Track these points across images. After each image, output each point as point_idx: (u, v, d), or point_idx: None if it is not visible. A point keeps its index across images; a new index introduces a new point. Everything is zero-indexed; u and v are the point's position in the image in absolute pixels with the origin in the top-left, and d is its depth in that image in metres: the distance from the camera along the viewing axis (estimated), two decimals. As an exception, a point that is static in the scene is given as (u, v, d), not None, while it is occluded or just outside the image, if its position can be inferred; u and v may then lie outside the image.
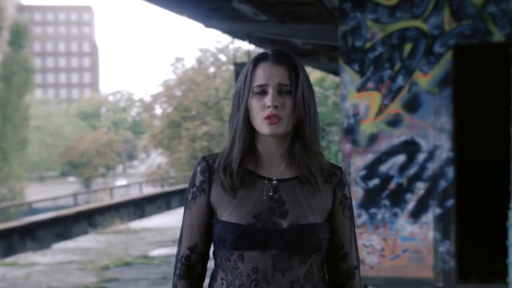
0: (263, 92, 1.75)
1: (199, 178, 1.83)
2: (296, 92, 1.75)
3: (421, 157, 5.91)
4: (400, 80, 5.94)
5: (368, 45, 6.01)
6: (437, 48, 5.88)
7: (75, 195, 24.34)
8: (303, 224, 1.74)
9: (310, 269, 1.76)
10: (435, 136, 5.89)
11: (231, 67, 40.89)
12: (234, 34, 12.20)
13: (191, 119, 40.42)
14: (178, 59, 44.63)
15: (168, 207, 20.90)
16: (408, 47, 5.94)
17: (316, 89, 33.32)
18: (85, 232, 13.05)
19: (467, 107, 6.44)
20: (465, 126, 6.30)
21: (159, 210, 19.72)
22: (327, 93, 32.45)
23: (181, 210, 16.71)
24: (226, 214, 1.76)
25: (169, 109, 42.18)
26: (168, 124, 41.38)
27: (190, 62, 61.12)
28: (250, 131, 1.78)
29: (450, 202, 5.86)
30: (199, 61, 43.11)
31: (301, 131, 1.77)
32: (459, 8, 5.84)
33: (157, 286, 7.00)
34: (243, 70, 1.82)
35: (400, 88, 5.94)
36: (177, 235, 11.04)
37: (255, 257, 1.71)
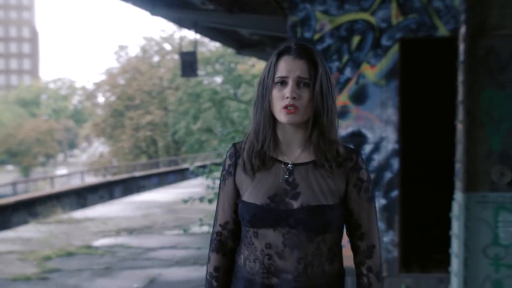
0: (283, 83, 1.91)
1: (228, 162, 2.03)
2: (315, 85, 1.90)
3: (367, 148, 5.98)
4: (348, 72, 5.99)
5: (317, 36, 6.03)
6: (384, 41, 5.95)
7: (14, 184, 23.78)
8: (313, 205, 1.89)
9: (318, 246, 1.91)
10: (381, 128, 5.96)
11: (176, 56, 40.57)
12: (181, 23, 12.06)
13: (134, 108, 40.01)
14: (122, 47, 44.05)
15: (111, 196, 20.62)
16: (356, 40, 5.98)
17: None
18: (25, 222, 12.75)
19: (413, 100, 6.54)
20: (411, 119, 6.40)
21: (101, 199, 19.45)
22: (271, 84, 32.56)
23: (123, 200, 16.56)
24: (246, 194, 1.96)
25: (112, 98, 41.65)
26: (111, 113, 40.86)
27: (134, 51, 60.44)
28: (272, 120, 1.95)
29: (394, 193, 5.95)
30: (144, 50, 42.65)
31: (319, 120, 1.92)
32: (406, 2, 5.91)
33: (101, 277, 6.89)
34: (267, 61, 1.98)
35: (347, 80, 5.99)
36: (120, 225, 11.00)
37: (268, 234, 1.91)
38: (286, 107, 1.88)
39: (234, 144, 2.05)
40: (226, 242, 2.04)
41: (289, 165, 1.94)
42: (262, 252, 1.91)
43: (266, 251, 1.90)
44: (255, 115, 1.98)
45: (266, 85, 1.93)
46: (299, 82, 1.90)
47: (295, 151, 1.97)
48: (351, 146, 5.91)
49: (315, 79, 1.90)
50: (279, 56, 1.94)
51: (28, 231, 10.40)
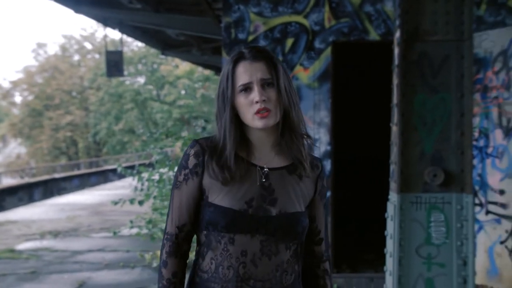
0: (248, 89, 1.87)
1: (192, 160, 1.93)
2: (278, 83, 1.88)
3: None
4: (281, 74, 6.03)
5: (251, 37, 6.05)
6: (317, 44, 6.03)
7: None
8: (290, 212, 1.88)
9: (293, 254, 1.91)
10: (314, 129, 6.04)
11: (97, 56, 39.84)
12: (105, 22, 11.84)
13: (54, 108, 38.99)
14: (40, 45, 43.03)
15: (31, 199, 19.98)
16: (289, 42, 6.04)
17: (185, 81, 33.25)
18: None
19: (345, 102, 6.66)
20: (343, 121, 6.51)
21: (21, 202, 18.81)
22: (195, 85, 32.46)
23: (46, 202, 16.07)
24: (219, 198, 1.88)
25: (30, 97, 40.45)
26: (29, 112, 39.66)
27: (53, 49, 58.80)
28: (240, 126, 1.91)
29: (327, 194, 6.03)
30: (63, 48, 41.64)
31: (288, 117, 1.90)
32: (338, 6, 6.02)
33: (27, 281, 6.66)
34: (222, 71, 1.93)
35: (281, 82, 6.03)
36: (44, 228, 10.68)
37: (244, 241, 1.85)
38: (258, 112, 1.85)
39: (197, 141, 1.96)
40: (182, 245, 1.97)
41: (265, 169, 1.92)
42: (237, 259, 1.85)
43: (241, 259, 1.85)
44: (221, 128, 1.92)
45: (227, 96, 1.89)
46: (263, 84, 1.87)
47: (268, 155, 1.95)
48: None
49: (277, 77, 1.88)
50: (234, 63, 1.90)
51: None
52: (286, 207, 1.88)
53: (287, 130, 1.92)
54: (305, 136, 1.96)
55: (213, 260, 1.89)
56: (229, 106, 1.88)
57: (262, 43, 6.03)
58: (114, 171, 24.44)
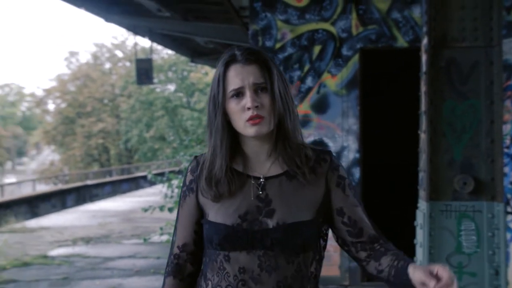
0: (239, 94, 1.73)
1: (189, 177, 1.84)
2: (273, 88, 1.74)
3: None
4: (309, 81, 6.03)
5: (278, 45, 6.06)
6: (345, 51, 6.01)
7: (-38, 193, 23.09)
8: (290, 223, 1.72)
9: (298, 268, 1.74)
10: (343, 137, 6.02)
11: (128, 64, 40.24)
12: (135, 30, 11.97)
13: (86, 116, 39.44)
14: (73, 53, 43.50)
15: (64, 205, 20.24)
16: (317, 49, 6.03)
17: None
18: (-23, 231, 12.41)
19: (373, 109, 6.63)
20: (372, 128, 6.48)
21: (54, 208, 19.07)
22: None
23: (78, 209, 16.29)
24: (212, 214, 1.77)
25: (63, 105, 40.98)
26: (62, 120, 40.19)
27: (85, 57, 59.61)
28: (232, 135, 1.78)
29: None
30: (95, 56, 42.14)
31: (283, 125, 1.76)
32: (366, 13, 6.00)
33: (59, 287, 6.75)
34: (214, 75, 1.79)
35: (309, 89, 6.03)
36: (76, 234, 10.82)
37: (241, 258, 1.72)
38: (250, 119, 1.71)
39: (195, 157, 1.87)
40: (185, 266, 1.85)
41: (261, 179, 1.77)
42: (235, 277, 1.72)
43: (240, 277, 1.71)
44: (210, 137, 1.79)
45: (218, 102, 1.75)
46: (256, 89, 1.73)
47: (264, 165, 1.79)
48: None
49: (271, 81, 1.74)
50: (225, 66, 1.75)
51: (-20, 241, 10.15)
52: (285, 217, 1.72)
53: (282, 139, 1.77)
54: (302, 146, 1.80)
55: (209, 280, 1.78)
56: (221, 112, 1.75)
57: (290, 50, 6.03)
58: (145, 178, 24.61)
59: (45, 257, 8.47)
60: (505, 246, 4.27)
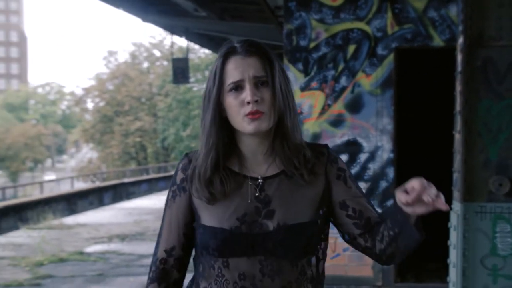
0: (238, 87, 1.62)
1: (180, 175, 1.70)
2: (274, 82, 1.63)
3: (362, 157, 5.99)
4: (343, 80, 6.00)
5: (312, 44, 6.04)
6: (380, 50, 5.96)
7: (3, 189, 23.60)
8: (291, 224, 1.62)
9: (302, 271, 1.63)
10: (377, 137, 5.98)
11: (165, 63, 40.58)
12: (172, 30, 12.08)
13: (123, 114, 39.91)
14: (111, 53, 43.96)
15: (101, 202, 20.54)
16: (351, 48, 6.00)
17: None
18: (15, 227, 12.67)
19: (408, 109, 6.57)
20: (406, 128, 6.42)
21: (91, 205, 19.36)
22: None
23: (114, 206, 16.47)
24: (207, 217, 1.64)
25: (101, 103, 41.53)
26: (100, 118, 40.72)
27: (123, 56, 60.34)
28: (227, 132, 1.66)
29: (390, 202, 5.94)
30: (133, 56, 42.59)
31: (282, 123, 1.65)
32: (401, 12, 5.94)
33: (94, 283, 6.85)
34: (211, 68, 1.68)
35: (343, 89, 6.00)
36: (113, 232, 10.94)
37: (241, 263, 1.60)
38: (249, 114, 1.60)
39: (186, 154, 1.73)
40: (171, 272, 1.71)
41: (259, 180, 1.66)
42: (235, 284, 1.60)
43: (240, 284, 1.60)
44: (202, 133, 1.67)
45: (212, 95, 1.64)
46: (256, 83, 1.62)
47: (262, 164, 1.68)
48: (347, 156, 5.92)
49: (272, 75, 1.63)
50: (224, 58, 1.64)
51: (19, 237, 10.34)
52: (286, 218, 1.62)
53: (280, 138, 1.66)
54: (301, 146, 1.68)
55: None
56: (214, 107, 1.63)
57: (324, 50, 6.01)
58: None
59: (81, 253, 8.60)
60: (541, 249, 4.19)
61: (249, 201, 1.63)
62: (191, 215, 1.69)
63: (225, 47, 1.67)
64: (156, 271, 1.70)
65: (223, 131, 1.65)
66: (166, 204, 1.73)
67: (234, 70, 1.62)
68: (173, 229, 1.70)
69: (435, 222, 5.88)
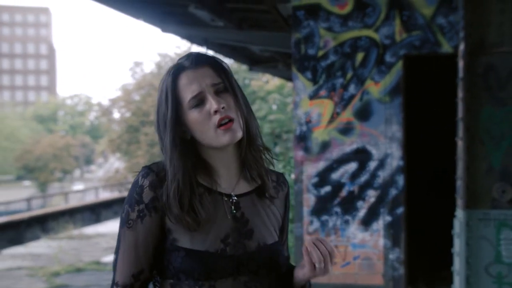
0: (200, 101, 1.54)
1: (148, 193, 1.55)
2: (232, 87, 1.58)
3: (372, 165, 5.98)
4: (352, 88, 6.00)
5: (320, 53, 6.06)
6: (388, 58, 5.96)
7: (28, 200, 23.94)
8: (269, 244, 1.61)
9: None
10: (386, 144, 5.96)
11: (191, 72, 40.73)
12: (192, 40, 12.18)
13: (149, 124, 40.19)
14: (137, 64, 44.35)
15: (125, 212, 20.69)
16: (360, 56, 6.00)
17: (275, 96, 33.50)
18: (37, 238, 12.85)
19: (417, 116, 6.54)
20: (416, 135, 6.39)
21: (115, 215, 19.54)
22: (286, 100, 32.63)
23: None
24: (188, 240, 1.54)
25: (127, 114, 41.90)
26: (126, 128, 41.07)
27: (149, 67, 60.90)
28: (192, 150, 1.58)
29: (400, 210, 5.93)
30: (159, 66, 42.89)
31: (248, 130, 1.60)
32: (410, 19, 5.93)
33: (108, 293, 6.92)
34: (159, 90, 1.59)
35: (352, 97, 6.00)
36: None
37: (227, 285, 1.54)
38: (221, 124, 1.52)
39: (149, 168, 1.57)
40: None
41: (233, 197, 1.60)
42: None
43: None
44: (166, 159, 1.56)
45: (171, 118, 1.54)
46: (216, 91, 1.55)
47: (232, 179, 1.62)
48: (356, 164, 5.90)
49: (229, 81, 1.58)
50: (174, 77, 1.56)
51: (39, 247, 10.50)
52: (264, 238, 1.60)
53: (248, 147, 1.61)
54: (264, 150, 1.66)
55: None
56: (170, 130, 1.54)
57: (332, 58, 6.02)
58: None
59: (98, 263, 8.70)
60: (546, 256, 4.14)
61: (228, 217, 1.57)
62: (162, 237, 1.56)
63: (170, 67, 1.61)
64: None
65: (188, 152, 1.57)
66: (128, 224, 1.55)
67: (190, 85, 1.55)
68: (140, 252, 1.55)
69: (447, 229, 5.85)
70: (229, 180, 1.62)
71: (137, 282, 1.56)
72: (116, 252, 1.58)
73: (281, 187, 1.73)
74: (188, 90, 1.55)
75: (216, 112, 1.53)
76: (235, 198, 1.61)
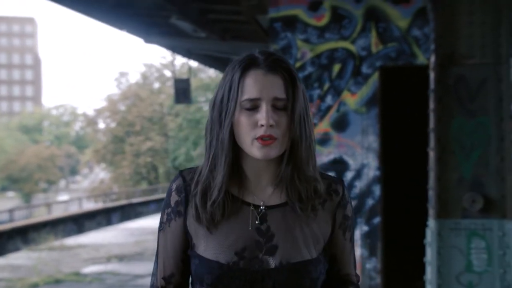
0: (253, 106, 1.45)
1: (174, 197, 1.54)
2: (294, 107, 1.46)
3: (349, 175, 6.02)
4: (329, 99, 6.05)
5: (298, 64, 6.11)
6: (364, 69, 6.02)
7: (11, 211, 23.76)
8: (295, 262, 1.47)
9: None
10: (363, 155, 6.01)
11: (176, 83, 40.87)
12: (175, 50, 12.24)
13: (135, 134, 40.18)
14: (122, 74, 44.51)
15: (109, 223, 20.62)
16: (336, 68, 6.06)
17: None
18: (18, 249, 12.78)
19: (393, 127, 6.60)
20: (392, 146, 6.45)
21: (98, 226, 19.45)
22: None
23: (117, 227, 16.54)
24: (203, 247, 1.50)
25: (113, 124, 41.86)
26: (112, 139, 41.05)
27: (134, 77, 60.84)
28: (234, 150, 1.50)
29: (377, 220, 5.97)
30: (144, 76, 42.96)
31: (295, 151, 1.48)
32: (385, 31, 6.00)
33: (87, 304, 6.92)
34: (225, 76, 1.50)
35: (329, 108, 6.05)
36: (112, 252, 10.98)
37: None
38: (261, 138, 1.43)
39: (181, 173, 1.56)
40: None
41: (261, 207, 1.50)
42: None
43: None
44: (210, 148, 1.50)
45: (228, 109, 1.46)
46: (274, 105, 1.45)
47: (266, 190, 1.52)
48: (333, 174, 5.96)
49: (294, 98, 1.45)
50: (243, 70, 1.46)
51: (19, 258, 10.46)
52: (289, 256, 1.47)
53: (291, 167, 1.50)
54: (313, 179, 1.52)
55: None
56: (229, 123, 1.46)
57: (309, 69, 6.08)
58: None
59: (78, 274, 8.68)
60: (515, 265, 4.20)
61: (250, 229, 1.48)
62: (187, 241, 1.54)
63: (244, 57, 1.50)
64: None
65: (232, 149, 1.49)
66: (160, 227, 1.57)
67: (253, 86, 1.45)
68: (172, 256, 1.56)
69: (423, 239, 5.90)
70: (260, 189, 1.53)
71: (169, 284, 1.57)
72: (155, 255, 1.60)
73: (330, 197, 1.56)
74: (248, 90, 1.45)
75: (262, 125, 1.44)
76: (263, 208, 1.51)
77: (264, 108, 1.43)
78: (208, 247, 1.48)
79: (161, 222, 1.57)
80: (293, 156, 1.48)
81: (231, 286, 1.44)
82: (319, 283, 1.51)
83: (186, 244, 1.54)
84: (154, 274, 1.59)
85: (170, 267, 1.55)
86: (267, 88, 1.44)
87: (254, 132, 1.44)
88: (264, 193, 1.52)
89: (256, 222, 1.49)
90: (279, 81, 1.45)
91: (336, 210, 1.55)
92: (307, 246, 1.49)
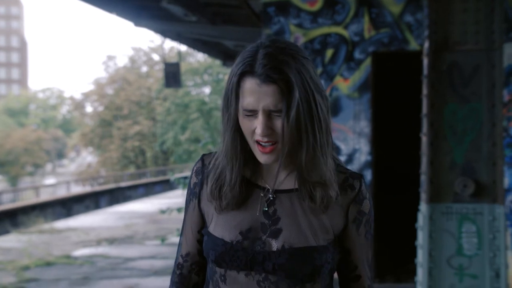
0: (252, 113, 1.45)
1: (193, 179, 1.63)
2: (289, 114, 1.43)
3: (341, 160, 6.06)
4: (321, 84, 6.08)
5: (291, 49, 6.12)
6: (357, 54, 6.05)
7: (-1, 194, 23.71)
8: (297, 247, 1.48)
9: None
10: (355, 139, 6.06)
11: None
12: (165, 34, 12.19)
13: (122, 118, 40.06)
14: (110, 57, 44.30)
15: (97, 206, 20.61)
16: (329, 53, 6.09)
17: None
18: (7, 232, 12.76)
19: (385, 112, 6.65)
20: (384, 131, 6.50)
21: (87, 209, 19.44)
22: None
23: (107, 210, 16.55)
24: (213, 224, 1.56)
25: (100, 108, 41.69)
26: (99, 122, 40.89)
27: (122, 61, 60.53)
28: (245, 141, 1.52)
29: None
30: (132, 60, 42.78)
31: (298, 157, 1.49)
32: (378, 16, 6.03)
33: (78, 286, 6.93)
34: (231, 72, 1.49)
35: (321, 93, 6.08)
36: (101, 235, 11.02)
37: (238, 279, 1.51)
38: (260, 143, 1.46)
39: (203, 156, 1.63)
40: (189, 277, 1.67)
41: (270, 191, 1.54)
42: None
43: None
44: (222, 144, 1.54)
45: (231, 112, 1.49)
46: (269, 114, 1.45)
47: (279, 174, 1.54)
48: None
49: (288, 106, 1.42)
50: (240, 76, 1.45)
51: (9, 241, 10.43)
52: (292, 240, 1.48)
53: (303, 152, 1.48)
54: (322, 185, 1.50)
55: None
56: (234, 114, 1.49)
57: (302, 54, 6.09)
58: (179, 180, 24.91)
59: (68, 257, 8.68)
60: (505, 249, 4.27)
61: (257, 213, 1.52)
62: (203, 221, 1.62)
63: (247, 55, 1.46)
64: (175, 275, 1.68)
65: (242, 137, 1.52)
66: (185, 207, 1.67)
67: (249, 96, 1.44)
68: (188, 235, 1.65)
69: (414, 223, 5.96)
70: (271, 174, 1.55)
71: (186, 262, 1.66)
72: (180, 234, 1.70)
73: (345, 191, 1.55)
74: (246, 98, 1.45)
75: (259, 133, 1.46)
76: (272, 195, 1.54)
77: (259, 118, 1.44)
78: (217, 225, 1.54)
79: (185, 202, 1.67)
80: (298, 156, 1.49)
81: (232, 264, 1.49)
82: (324, 272, 1.50)
83: (202, 224, 1.61)
84: (178, 251, 1.68)
85: (188, 246, 1.65)
86: (261, 99, 1.43)
87: (254, 136, 1.47)
88: (280, 177, 1.55)
89: (265, 207, 1.52)
90: (274, 92, 1.42)
91: (350, 205, 1.54)
92: (313, 233, 1.50)
